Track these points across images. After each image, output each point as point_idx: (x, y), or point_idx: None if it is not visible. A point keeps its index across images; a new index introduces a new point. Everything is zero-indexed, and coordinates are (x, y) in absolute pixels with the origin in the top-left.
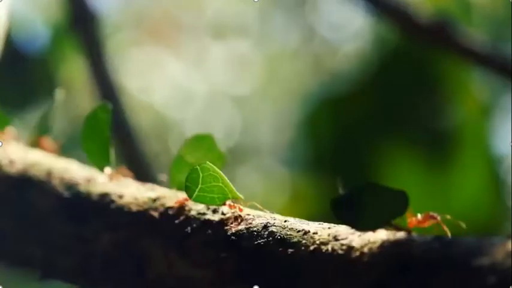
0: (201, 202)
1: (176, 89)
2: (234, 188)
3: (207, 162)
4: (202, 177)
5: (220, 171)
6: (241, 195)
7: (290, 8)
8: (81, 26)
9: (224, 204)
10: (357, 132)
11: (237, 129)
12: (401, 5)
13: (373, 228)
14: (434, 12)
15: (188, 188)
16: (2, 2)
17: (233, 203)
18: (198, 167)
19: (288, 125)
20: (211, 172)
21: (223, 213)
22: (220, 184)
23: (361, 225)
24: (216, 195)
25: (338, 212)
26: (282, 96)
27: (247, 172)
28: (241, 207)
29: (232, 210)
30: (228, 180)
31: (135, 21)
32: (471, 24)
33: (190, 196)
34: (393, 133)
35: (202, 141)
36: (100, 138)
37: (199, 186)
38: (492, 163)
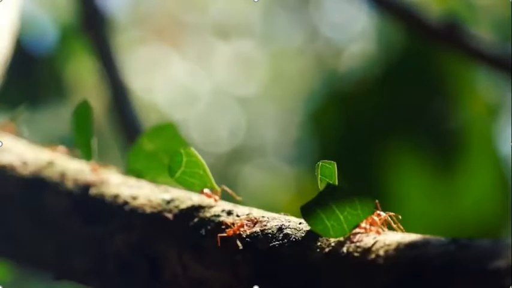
0: (182, 184)
1: (180, 89)
2: (212, 178)
3: (192, 147)
4: (186, 161)
5: (202, 159)
6: (217, 187)
7: (294, 8)
8: (92, 27)
9: (201, 192)
10: (362, 131)
11: (242, 128)
12: (409, 5)
13: (344, 233)
14: (442, 13)
15: (171, 169)
16: (13, 3)
17: (210, 192)
18: (182, 150)
19: (293, 124)
20: (194, 158)
21: (237, 215)
22: (201, 172)
23: (332, 231)
24: (196, 181)
25: (309, 220)
26: (287, 95)
27: (253, 171)
28: (216, 197)
29: (213, 202)
30: (208, 169)
31: (139, 21)
32: (478, 25)
33: (172, 176)
34: (399, 133)
35: (164, 130)
36: (84, 134)
37: (182, 169)
38: (499, 164)
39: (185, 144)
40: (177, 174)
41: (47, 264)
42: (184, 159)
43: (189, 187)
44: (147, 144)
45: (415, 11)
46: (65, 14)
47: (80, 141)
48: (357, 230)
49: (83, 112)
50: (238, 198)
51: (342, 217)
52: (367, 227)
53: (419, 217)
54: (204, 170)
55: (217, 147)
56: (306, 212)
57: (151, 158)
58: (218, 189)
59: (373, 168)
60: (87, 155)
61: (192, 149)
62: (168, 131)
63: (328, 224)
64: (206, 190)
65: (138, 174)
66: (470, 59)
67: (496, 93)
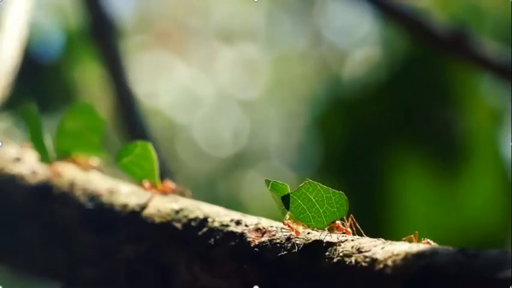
0: (124, 170)
1: (184, 93)
2: (157, 175)
3: (149, 143)
4: (137, 152)
5: (155, 157)
6: (159, 183)
7: (298, 12)
8: (100, 35)
9: (141, 183)
10: (366, 135)
11: (245, 132)
12: (415, 12)
13: (323, 225)
14: (448, 20)
15: (120, 154)
16: (20, 11)
17: (150, 185)
18: (139, 143)
19: (297, 128)
20: (147, 153)
21: (246, 225)
22: (149, 166)
23: (313, 221)
24: (139, 172)
25: (293, 209)
26: (290, 99)
27: (256, 175)
28: (154, 190)
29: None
30: (157, 167)
31: (144, 26)
32: (483, 30)
33: (117, 160)
34: (403, 138)
35: (82, 110)
36: (37, 138)
37: (130, 158)
38: (503, 170)
39: (103, 122)
40: (123, 161)
41: (56, 274)
42: (138, 150)
43: (130, 175)
44: (69, 125)
45: (421, 19)
46: (72, 20)
47: (35, 145)
48: (333, 225)
49: (30, 117)
50: (188, 192)
51: (321, 211)
52: (341, 225)
53: (423, 222)
54: (152, 165)
55: (221, 151)
56: (289, 202)
57: (75, 136)
58: (159, 185)
59: (376, 174)
60: (44, 158)
61: (149, 145)
62: (85, 111)
63: (310, 215)
64: (145, 182)
65: (66, 153)
66: (476, 66)
67: (500, 100)
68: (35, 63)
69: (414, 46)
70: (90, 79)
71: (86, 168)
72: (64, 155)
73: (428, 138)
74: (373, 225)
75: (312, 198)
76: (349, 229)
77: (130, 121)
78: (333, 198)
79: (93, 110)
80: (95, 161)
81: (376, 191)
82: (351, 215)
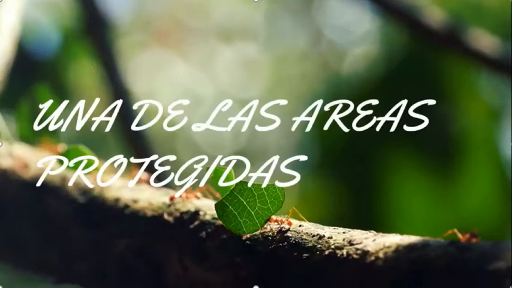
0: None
1: (183, 92)
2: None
3: (82, 146)
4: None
5: (89, 151)
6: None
7: (297, 11)
8: (94, 32)
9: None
10: (364, 134)
11: (245, 131)
12: (411, 8)
13: (256, 228)
14: (445, 15)
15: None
16: (13, 6)
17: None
18: (73, 147)
19: (296, 128)
20: (80, 150)
21: None
22: (83, 157)
23: (245, 228)
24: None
25: (223, 218)
26: (290, 98)
27: (255, 175)
28: (98, 174)
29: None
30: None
31: (143, 24)
32: (481, 25)
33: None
34: (401, 137)
35: (38, 93)
36: None
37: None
38: (501, 168)
39: (58, 103)
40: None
41: (50, 269)
42: (72, 156)
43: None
44: (27, 109)
45: (417, 14)
46: (67, 18)
47: None
48: (269, 222)
49: None
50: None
51: (253, 213)
52: (279, 218)
53: (421, 221)
54: (91, 161)
55: (220, 151)
56: (220, 210)
57: (34, 121)
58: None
59: (374, 172)
60: None
61: (81, 147)
62: (41, 93)
63: (241, 221)
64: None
65: (29, 140)
66: (471, 61)
67: (498, 96)
68: (30, 60)
69: (412, 43)
70: (85, 76)
71: (53, 153)
72: (26, 141)
73: (426, 135)
74: (371, 223)
75: (243, 200)
76: (290, 220)
77: (125, 118)
78: (265, 194)
79: (47, 92)
80: (61, 146)
81: (374, 190)
82: (293, 207)
